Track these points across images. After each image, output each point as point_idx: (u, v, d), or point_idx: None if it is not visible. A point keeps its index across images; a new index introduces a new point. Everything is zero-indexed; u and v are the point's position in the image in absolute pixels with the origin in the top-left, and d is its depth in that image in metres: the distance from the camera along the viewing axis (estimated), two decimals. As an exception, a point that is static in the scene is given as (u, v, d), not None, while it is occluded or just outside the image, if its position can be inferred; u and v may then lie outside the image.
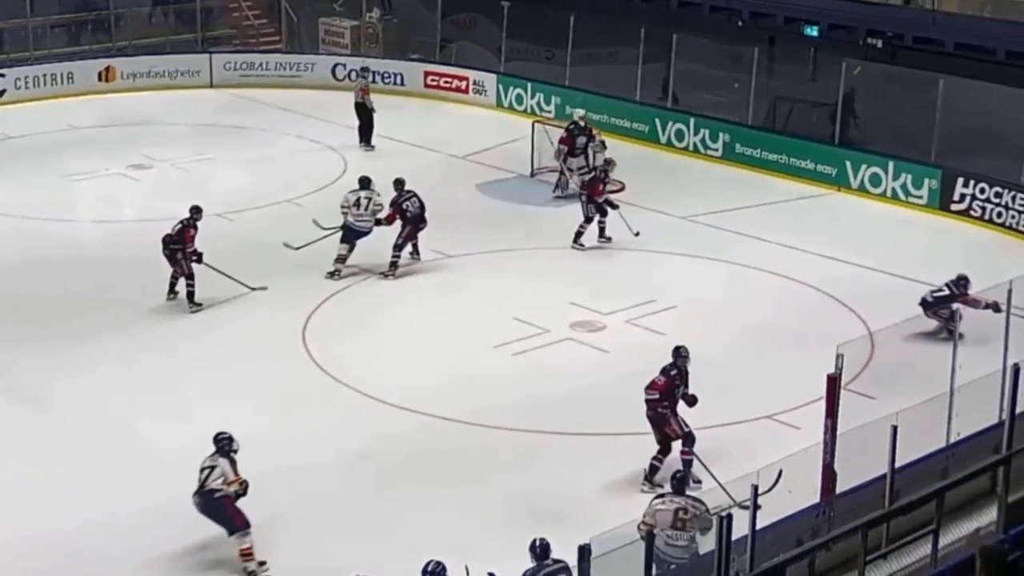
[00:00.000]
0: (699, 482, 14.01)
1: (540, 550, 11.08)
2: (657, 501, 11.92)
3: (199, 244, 19.23)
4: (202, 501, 12.98)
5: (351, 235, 20.45)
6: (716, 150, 26.87)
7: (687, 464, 14.22)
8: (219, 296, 19.47)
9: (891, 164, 24.38)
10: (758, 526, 10.35)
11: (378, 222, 20.54)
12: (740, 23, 27.94)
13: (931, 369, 14.08)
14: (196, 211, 19.41)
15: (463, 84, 30.99)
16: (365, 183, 20.81)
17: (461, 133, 28.09)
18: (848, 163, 24.99)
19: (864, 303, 19.06)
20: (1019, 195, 22.58)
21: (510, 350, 17.73)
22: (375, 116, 27.44)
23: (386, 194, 20.76)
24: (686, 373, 14.75)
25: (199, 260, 19.17)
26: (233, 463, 13.03)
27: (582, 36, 29.29)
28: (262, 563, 13.09)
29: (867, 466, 11.78)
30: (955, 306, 16.81)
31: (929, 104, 24.07)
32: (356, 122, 27.41)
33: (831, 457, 11.78)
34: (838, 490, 11.79)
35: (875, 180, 24.59)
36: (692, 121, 27.26)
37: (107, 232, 23.09)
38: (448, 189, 24.80)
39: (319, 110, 29.71)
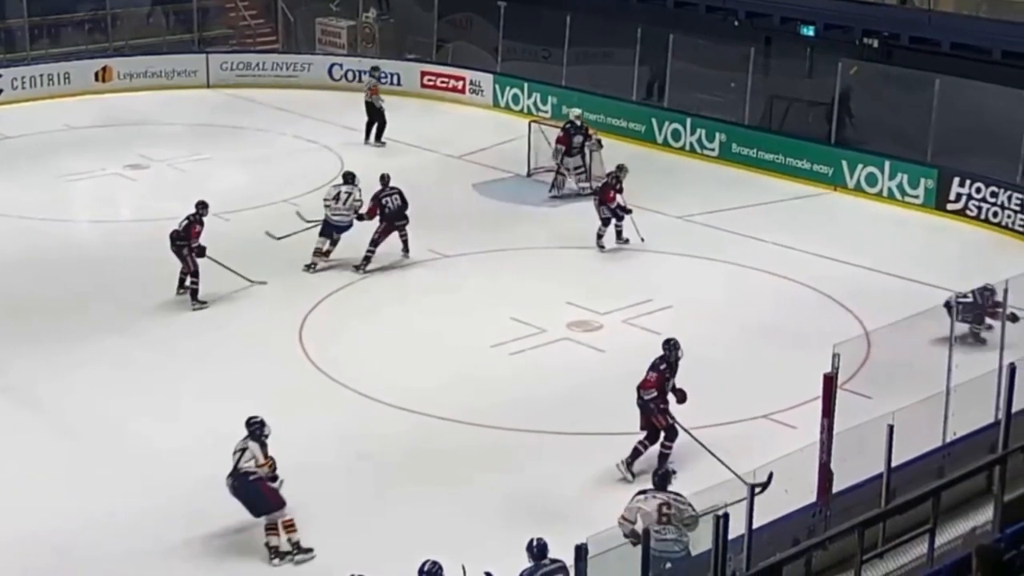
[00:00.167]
0: (674, 472, 14.02)
1: (537, 550, 11.10)
2: (640, 497, 11.95)
3: (203, 239, 19.30)
4: (235, 483, 13.25)
5: (329, 229, 20.71)
6: (712, 150, 26.89)
7: (663, 457, 14.45)
8: (218, 295, 19.49)
9: (887, 164, 24.41)
10: (754, 525, 10.38)
11: (359, 217, 20.72)
12: (736, 23, 27.95)
13: (927, 369, 14.09)
14: (202, 207, 19.49)
15: (459, 84, 31.01)
16: (348, 178, 21.06)
17: (458, 133, 28.10)
18: (844, 163, 25.01)
19: (860, 303, 19.09)
20: (1015, 195, 22.61)
21: (507, 350, 17.75)
22: (386, 114, 27.63)
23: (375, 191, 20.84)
24: (675, 365, 14.90)
25: (201, 254, 19.23)
26: (263, 446, 13.31)
27: (578, 36, 29.30)
28: (308, 549, 13.27)
29: (863, 465, 11.81)
30: (988, 322, 16.85)
31: (925, 104, 24.11)
32: (364, 119, 27.59)
33: (827, 456, 11.80)
34: (834, 489, 11.81)
35: (871, 180, 24.62)
36: (688, 121, 27.28)
37: (104, 232, 23.10)
38: (444, 189, 24.85)
39: (316, 110, 29.73)
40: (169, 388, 16.81)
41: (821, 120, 26.20)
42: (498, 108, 30.49)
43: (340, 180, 21.16)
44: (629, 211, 21.33)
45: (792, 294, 19.92)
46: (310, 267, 20.57)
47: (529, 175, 25.53)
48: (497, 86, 30.66)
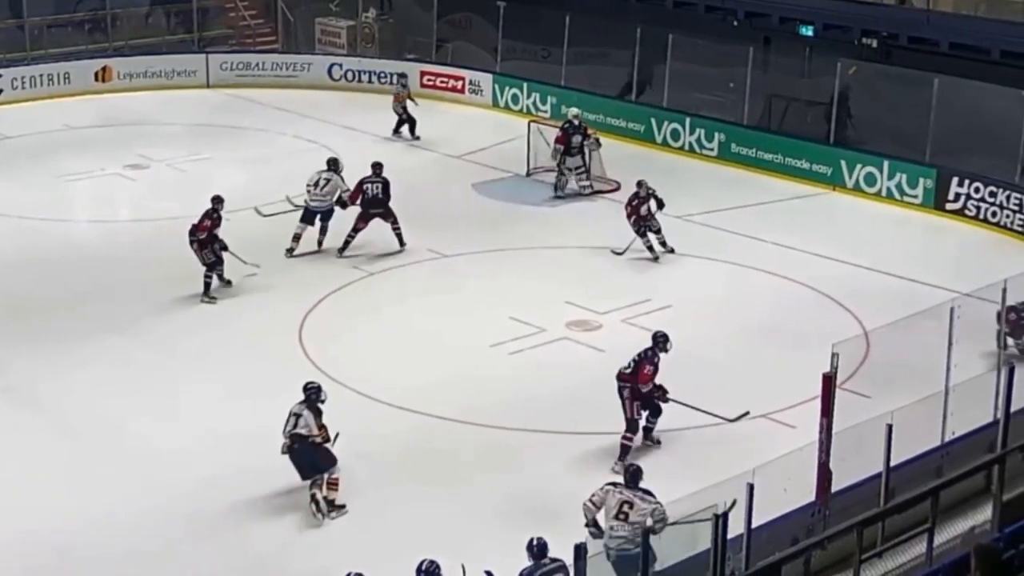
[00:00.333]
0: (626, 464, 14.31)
1: (537, 549, 11.12)
2: (609, 488, 12.05)
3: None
4: (293, 445, 13.77)
5: (308, 214, 21.11)
6: (712, 150, 26.91)
7: (624, 449, 14.73)
8: (218, 295, 19.53)
9: (886, 164, 24.42)
10: (753, 525, 10.40)
11: (342, 204, 21.17)
12: (735, 23, 27.95)
13: (926, 368, 14.09)
14: (215, 201, 19.60)
15: (459, 84, 31.02)
16: (330, 164, 21.47)
17: (457, 133, 28.12)
18: (843, 163, 25.03)
19: (859, 302, 19.11)
20: (1014, 195, 22.62)
21: (506, 349, 17.77)
22: (414, 113, 27.98)
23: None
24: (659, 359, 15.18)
25: (201, 246, 19.30)
26: (318, 414, 13.87)
27: (578, 36, 29.31)
28: (341, 506, 13.86)
29: (862, 465, 11.84)
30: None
31: (924, 104, 24.12)
32: (390, 121, 27.94)
33: (826, 456, 11.82)
34: (833, 489, 11.84)
35: (870, 180, 24.63)
36: (688, 121, 27.30)
37: (103, 232, 23.11)
38: (444, 189, 24.89)
39: (315, 110, 29.74)
40: (169, 388, 16.82)
41: (820, 120, 26.22)
42: (497, 108, 30.51)
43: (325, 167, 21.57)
44: (645, 227, 20.87)
45: (791, 294, 19.94)
46: (289, 251, 20.97)
47: (528, 175, 25.55)
48: (496, 86, 30.67)
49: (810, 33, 27.01)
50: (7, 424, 15.95)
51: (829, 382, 11.84)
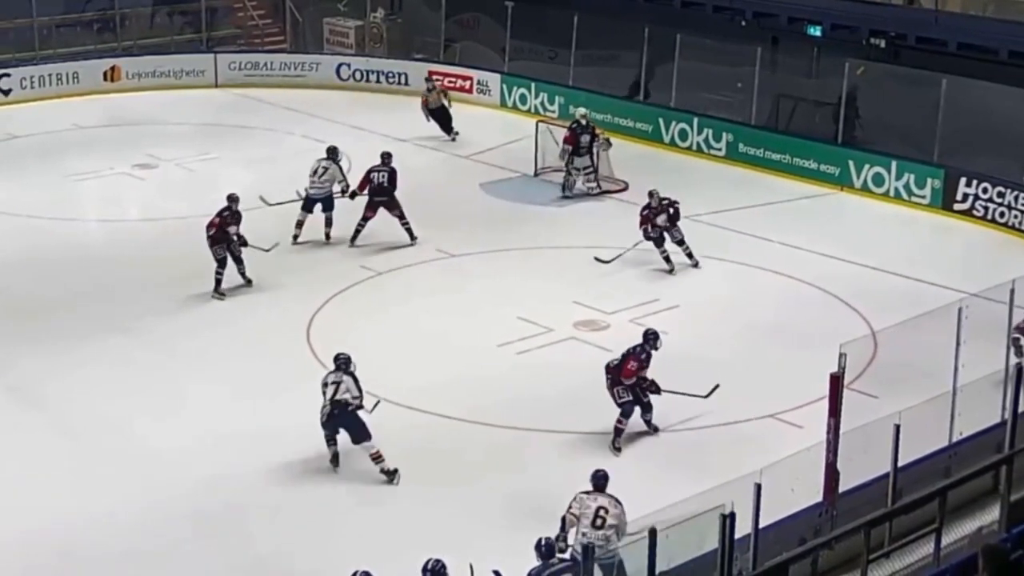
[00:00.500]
0: (619, 448, 15.00)
1: (546, 549, 11.13)
2: (583, 496, 12.16)
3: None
4: (334, 411, 14.40)
5: (308, 203, 21.53)
6: (719, 150, 26.91)
7: (617, 432, 15.13)
8: (229, 293, 19.58)
9: (894, 164, 24.41)
10: (761, 525, 10.40)
11: (351, 193, 21.63)
12: (743, 23, 27.94)
13: (933, 368, 14.09)
14: (228, 199, 19.68)
15: (467, 84, 31.02)
16: (329, 153, 21.92)
17: (465, 133, 28.10)
18: (851, 163, 25.02)
19: (867, 302, 19.11)
20: (1022, 195, 22.59)
21: (514, 349, 17.78)
22: (446, 110, 28.06)
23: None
24: (651, 356, 15.41)
25: (212, 242, 19.38)
26: (356, 380, 14.50)
27: (585, 36, 29.32)
28: (395, 470, 14.45)
29: (870, 465, 11.83)
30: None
31: (932, 104, 24.11)
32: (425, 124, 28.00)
33: (834, 456, 11.82)
34: (841, 489, 11.84)
35: (878, 180, 24.62)
36: (695, 121, 27.30)
37: (111, 231, 23.15)
38: (452, 189, 24.90)
39: (323, 110, 29.76)
40: (174, 387, 16.84)
41: (828, 120, 26.21)
42: (505, 108, 30.52)
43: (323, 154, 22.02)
44: (661, 237, 20.63)
45: (799, 294, 19.94)
46: (294, 238, 21.44)
47: (536, 175, 25.55)
48: (504, 86, 30.69)
49: (818, 33, 27.00)
50: (10, 423, 15.97)
51: (837, 382, 11.84)
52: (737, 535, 10.03)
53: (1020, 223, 22.56)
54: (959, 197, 23.50)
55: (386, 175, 21.54)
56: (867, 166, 24.76)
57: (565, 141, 24.27)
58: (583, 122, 24.29)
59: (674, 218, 20.52)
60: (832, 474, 11.81)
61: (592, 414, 15.83)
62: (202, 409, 16.22)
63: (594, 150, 24.32)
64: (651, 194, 20.66)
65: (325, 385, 14.63)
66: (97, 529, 13.63)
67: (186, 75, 32.27)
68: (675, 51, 27.73)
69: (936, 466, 12.42)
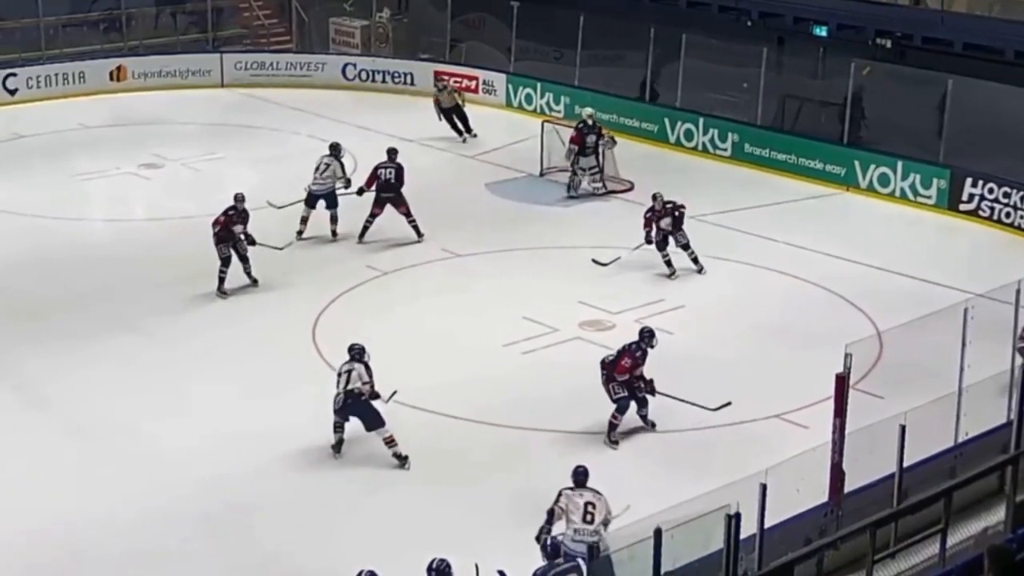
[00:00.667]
0: (616, 441, 15.23)
1: (551, 549, 11.14)
2: (568, 492, 12.33)
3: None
4: (346, 400, 14.76)
5: (311, 199, 21.82)
6: (725, 150, 26.91)
7: (611, 426, 15.30)
8: (235, 293, 19.60)
9: (900, 164, 24.39)
10: (766, 525, 10.40)
11: (359, 190, 21.84)
12: (749, 23, 27.93)
13: (939, 369, 14.09)
14: (234, 198, 19.75)
15: (473, 84, 31.03)
16: (331, 149, 22.17)
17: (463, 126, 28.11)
18: (857, 163, 25.01)
19: (873, 303, 19.10)
20: (1028, 195, 22.61)
21: (519, 349, 17.78)
22: (461, 109, 28.07)
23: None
24: (647, 354, 15.52)
25: (218, 240, 19.44)
26: (368, 369, 14.84)
27: (591, 36, 29.34)
28: (406, 456, 14.81)
29: (875, 465, 11.83)
30: None
31: (938, 104, 24.10)
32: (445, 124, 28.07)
33: (839, 456, 11.82)
34: (846, 489, 11.83)
35: (884, 180, 24.61)
36: (701, 121, 27.30)
37: (117, 231, 23.20)
38: (457, 188, 24.92)
39: (329, 110, 29.78)
40: (180, 387, 16.85)
41: (834, 120, 26.20)
42: (511, 108, 30.54)
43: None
44: (665, 241, 20.51)
45: (804, 294, 19.93)
46: (299, 234, 21.60)
47: (542, 175, 25.57)
48: (510, 86, 30.70)
49: (824, 33, 26.99)
50: (15, 422, 15.99)
51: (842, 382, 11.83)
52: (743, 535, 10.04)
53: (1026, 223, 22.57)
54: (965, 197, 23.48)
55: (393, 171, 21.70)
56: (873, 166, 24.75)
57: (571, 141, 24.27)
58: (589, 122, 24.28)
59: (678, 222, 20.40)
60: (838, 474, 11.80)
61: (598, 414, 15.82)
62: (207, 408, 16.23)
63: (600, 150, 24.32)
64: (655, 197, 20.60)
65: (339, 375, 14.95)
66: (101, 528, 13.64)
67: (192, 75, 32.32)
68: (681, 51, 27.74)
69: (942, 466, 12.42)
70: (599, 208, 23.79)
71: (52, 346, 17.88)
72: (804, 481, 11.52)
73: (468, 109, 28.32)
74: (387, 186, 21.67)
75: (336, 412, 15.00)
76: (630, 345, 15.57)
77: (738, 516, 9.88)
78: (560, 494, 12.37)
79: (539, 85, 30.08)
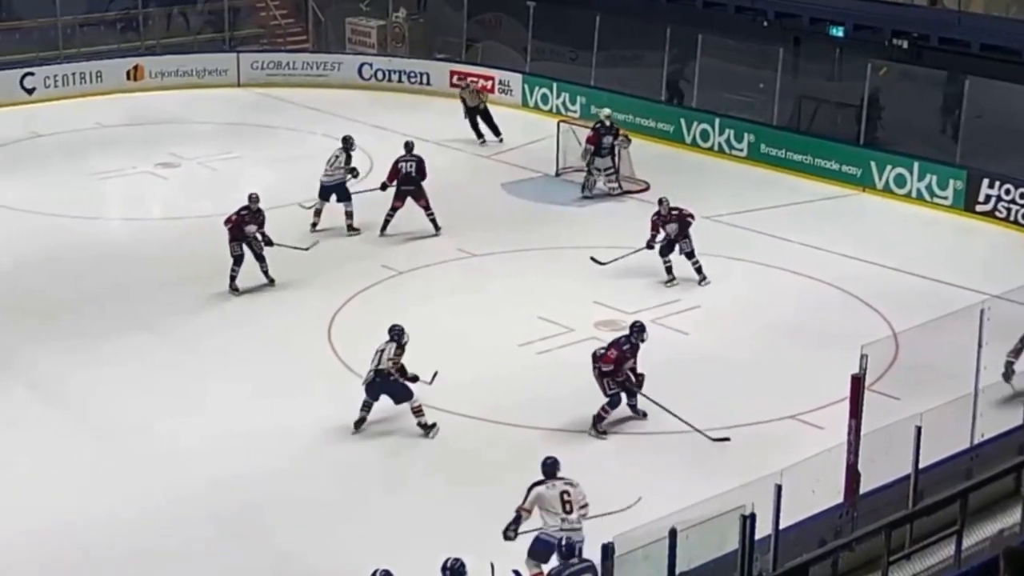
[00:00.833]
0: (604, 433, 15.55)
1: (566, 549, 11.14)
2: (540, 487, 12.38)
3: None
4: (375, 378, 15.36)
5: (323, 191, 22.15)
6: (741, 150, 26.89)
7: (599, 418, 15.59)
8: (247, 293, 19.64)
9: (916, 165, 24.35)
10: (781, 526, 10.40)
11: (383, 186, 22.03)
12: (765, 23, 27.90)
13: (956, 370, 14.07)
14: (248, 198, 19.77)
15: (489, 84, 31.05)
16: (343, 142, 22.45)
17: (487, 132, 28.11)
18: (873, 164, 24.97)
19: (889, 304, 19.07)
20: (1045, 196, 22.56)
21: (534, 349, 17.79)
22: (482, 110, 27.96)
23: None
24: (637, 349, 15.67)
25: (231, 238, 19.55)
26: (399, 348, 15.40)
27: (607, 36, 29.34)
28: (434, 424, 15.45)
29: (891, 467, 11.81)
30: None
31: (954, 105, 24.04)
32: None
33: (855, 457, 11.80)
34: (862, 490, 11.81)
35: (900, 181, 24.56)
36: (717, 121, 27.28)
37: (134, 230, 23.27)
38: (473, 188, 24.94)
39: (346, 109, 29.82)
40: (196, 386, 16.90)
41: (850, 121, 26.16)
42: (527, 108, 30.55)
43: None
44: (668, 248, 20.35)
45: (820, 295, 19.91)
46: (313, 226, 22.02)
47: (558, 175, 25.58)
48: (526, 86, 30.71)
49: (840, 34, 26.92)
50: (31, 420, 16.04)
51: (858, 383, 11.81)
52: (757, 536, 10.04)
53: (1043, 224, 22.51)
54: (981, 198, 23.43)
55: (414, 164, 21.96)
56: (889, 167, 24.70)
57: (588, 141, 24.28)
58: (607, 123, 24.26)
59: (684, 229, 20.13)
60: (853, 475, 11.78)
61: (614, 413, 15.83)
62: (223, 408, 16.27)
63: (615, 151, 24.31)
64: (661, 201, 20.47)
65: (375, 354, 15.45)
66: (115, 526, 13.67)
67: (209, 74, 32.40)
68: (697, 51, 27.72)
69: (958, 468, 12.40)
70: (614, 208, 23.79)
71: (68, 344, 17.94)
72: (819, 482, 11.50)
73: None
74: (408, 179, 21.90)
75: (365, 390, 15.45)
76: (620, 338, 15.74)
77: (753, 517, 9.88)
78: (529, 491, 12.39)
79: (555, 85, 30.09)
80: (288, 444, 15.32)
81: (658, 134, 27.99)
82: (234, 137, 28.39)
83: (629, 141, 24.75)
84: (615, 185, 24.32)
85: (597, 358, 15.69)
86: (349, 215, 22.15)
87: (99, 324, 18.58)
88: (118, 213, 24.57)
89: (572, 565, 10.99)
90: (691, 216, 20.25)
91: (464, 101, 28.02)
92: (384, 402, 15.63)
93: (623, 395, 15.72)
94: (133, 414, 16.11)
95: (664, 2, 29.65)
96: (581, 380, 16.78)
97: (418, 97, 31.42)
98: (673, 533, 10.04)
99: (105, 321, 18.68)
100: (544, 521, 12.30)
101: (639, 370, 15.81)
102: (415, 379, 15.50)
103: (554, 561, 11.27)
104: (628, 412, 15.96)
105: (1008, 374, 15.16)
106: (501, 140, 27.73)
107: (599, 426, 15.63)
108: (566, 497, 12.24)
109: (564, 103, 29.80)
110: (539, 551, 12.27)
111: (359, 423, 15.59)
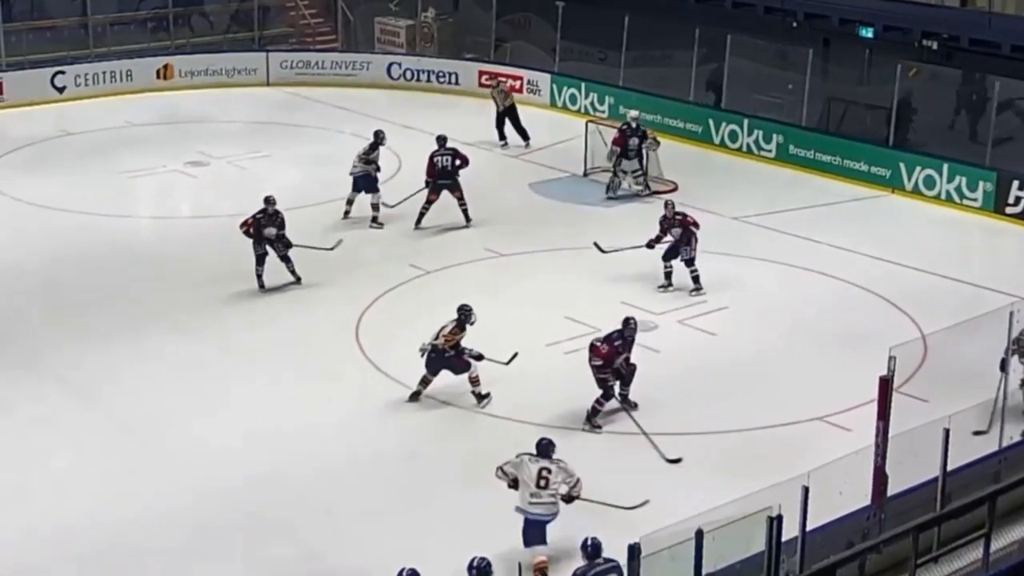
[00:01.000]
0: (599, 426, 15.68)
1: (591, 549, 11.14)
2: (525, 457, 12.90)
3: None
4: (430, 354, 16.03)
5: (354, 183, 22.65)
6: (770, 151, 26.83)
7: (593, 411, 15.69)
8: (275, 292, 19.70)
9: (945, 166, 24.25)
10: (808, 528, 10.39)
11: (427, 183, 22.30)
12: (795, 24, 27.85)
13: (984, 372, 14.04)
14: (264, 201, 19.81)
15: (517, 84, 31.06)
16: (374, 136, 22.86)
17: (515, 132, 28.13)
18: (902, 165, 24.88)
19: (917, 306, 19.00)
20: (1075, 199, 22.46)
21: (561, 349, 17.77)
22: (511, 113, 27.86)
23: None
24: (630, 341, 15.80)
25: (254, 240, 19.63)
26: (459, 327, 15.98)
27: (636, 36, 29.32)
28: (487, 394, 16.10)
29: (919, 469, 11.80)
30: None
31: (984, 106, 23.95)
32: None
33: (882, 460, 11.78)
34: (889, 493, 11.80)
35: (929, 182, 24.47)
36: (746, 122, 27.23)
37: (163, 228, 23.36)
38: (502, 188, 24.95)
39: (374, 109, 29.86)
40: (223, 384, 16.95)
41: (879, 122, 26.07)
42: (555, 108, 30.55)
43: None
44: (672, 253, 20.13)
45: (848, 296, 19.85)
46: (345, 214, 22.64)
47: (586, 175, 25.58)
48: (554, 86, 30.72)
49: (870, 35, 26.87)
50: (63, 416, 16.11)
51: (886, 385, 11.80)
52: (784, 537, 10.04)
53: (1073, 227, 22.40)
54: (1011, 200, 23.33)
55: (449, 158, 22.26)
56: (918, 168, 24.62)
57: (614, 143, 24.26)
58: (633, 125, 24.22)
59: (687, 234, 19.87)
60: (880, 477, 11.77)
61: (642, 414, 15.82)
62: (250, 406, 16.31)
63: (643, 152, 24.28)
64: (667, 204, 20.38)
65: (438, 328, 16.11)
66: (143, 523, 13.71)
67: (238, 73, 32.53)
68: (726, 52, 27.69)
69: (985, 471, 12.37)
70: (642, 208, 23.74)
71: (97, 342, 18.02)
72: (847, 484, 11.49)
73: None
74: (444, 173, 22.23)
75: (425, 365, 16.12)
76: (612, 333, 15.86)
77: (780, 518, 9.89)
78: (516, 456, 12.91)
79: (583, 85, 30.08)
80: (316, 443, 15.35)
81: (687, 134, 27.95)
82: (263, 136, 28.47)
83: (658, 143, 24.71)
84: (642, 187, 24.27)
85: (591, 350, 15.79)
86: (375, 207, 22.43)
87: (129, 322, 18.66)
88: (148, 211, 24.66)
89: (598, 565, 11.00)
90: (695, 224, 19.93)
91: (495, 101, 28.03)
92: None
93: (616, 385, 15.83)
94: (163, 411, 16.17)
95: (693, 2, 29.65)
96: (608, 380, 16.82)
97: (446, 97, 31.46)
98: (700, 534, 10.05)
99: (134, 319, 18.76)
100: (520, 493, 12.74)
101: (632, 360, 15.97)
102: (480, 357, 16.05)
103: (578, 560, 11.25)
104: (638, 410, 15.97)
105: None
106: (528, 145, 27.62)
107: (594, 420, 15.73)
108: (544, 474, 12.69)
109: (592, 103, 29.80)
110: (531, 535, 12.60)
111: (415, 395, 16.22)
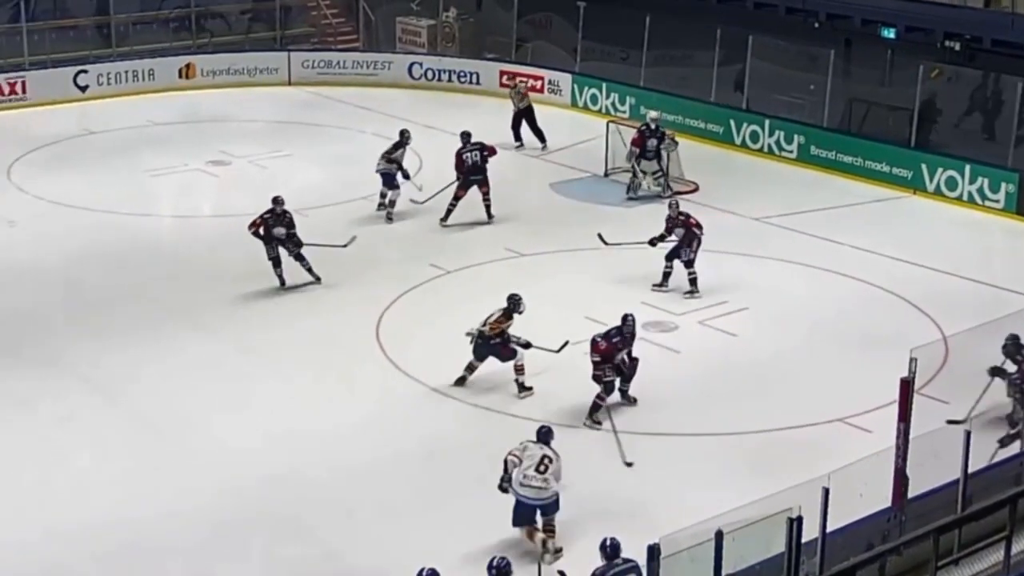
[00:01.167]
0: (599, 423, 15.69)
1: (610, 549, 11.12)
2: (530, 443, 13.22)
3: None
4: (477, 340, 16.33)
5: (382, 179, 22.82)
6: (791, 152, 26.79)
7: (595, 407, 15.74)
8: (296, 291, 19.73)
9: (968, 167, 24.18)
10: (828, 529, 10.37)
11: (457, 179, 22.49)
12: (816, 24, 27.80)
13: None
14: (272, 201, 19.84)
15: (538, 84, 31.06)
16: (400, 135, 23.05)
17: (531, 134, 28.10)
18: (924, 166, 24.81)
19: (939, 307, 18.96)
20: (1098, 200, 22.36)
21: (581, 349, 17.74)
22: (528, 114, 27.76)
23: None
24: (629, 338, 15.87)
25: (261, 238, 19.72)
26: (507, 316, 16.28)
27: (657, 37, 29.29)
28: (530, 387, 16.30)
29: (940, 471, 11.75)
30: None
31: (1007, 107, 23.86)
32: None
33: (903, 461, 11.76)
34: (910, 495, 11.77)
35: (951, 183, 24.40)
36: (767, 123, 27.19)
37: (185, 227, 23.44)
38: (522, 188, 24.96)
39: (395, 108, 29.90)
40: (243, 384, 16.98)
41: (902, 125, 26.00)
42: (576, 108, 30.56)
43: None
44: (675, 254, 19.94)
45: (870, 297, 19.81)
46: (380, 206, 22.92)
47: (606, 175, 25.57)
48: (576, 86, 30.72)
49: (892, 35, 26.79)
50: (85, 414, 16.16)
51: (907, 387, 11.78)
52: (804, 539, 10.02)
53: (1096, 229, 22.31)
54: (1034, 201, 23.28)
55: (477, 152, 22.42)
56: (940, 169, 24.55)
57: (632, 143, 24.24)
58: (652, 126, 24.16)
59: (689, 236, 19.72)
60: (901, 479, 11.74)
61: (659, 415, 15.84)
62: (269, 406, 16.34)
63: (662, 153, 24.24)
64: (671, 205, 20.34)
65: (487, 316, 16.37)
66: (163, 522, 13.74)
67: (260, 73, 32.60)
68: (747, 52, 27.64)
69: (1007, 473, 12.32)
70: (662, 210, 23.50)
71: (117, 340, 18.08)
72: (867, 485, 11.46)
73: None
74: (475, 169, 22.43)
75: (472, 351, 16.40)
76: (611, 330, 15.91)
77: (800, 520, 9.86)
78: (521, 444, 13.20)
79: (604, 85, 30.08)
80: (335, 443, 15.37)
81: (708, 135, 27.93)
82: (284, 135, 28.53)
83: (676, 143, 24.68)
84: (663, 188, 24.22)
85: (591, 345, 15.84)
86: (392, 203, 22.63)
87: (150, 320, 18.72)
88: (169, 210, 24.74)
89: (617, 565, 10.99)
90: (698, 226, 19.78)
91: (512, 102, 28.03)
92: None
93: (616, 381, 15.87)
94: (183, 410, 16.22)
95: (715, 3, 29.61)
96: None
97: (468, 97, 31.48)
98: (719, 535, 10.03)
99: (156, 317, 18.83)
100: (514, 475, 12.99)
101: (635, 354, 16.07)
102: (528, 345, 16.31)
103: (599, 561, 11.24)
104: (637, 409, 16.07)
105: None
106: (545, 147, 27.53)
107: (595, 415, 15.73)
108: (546, 461, 12.98)
109: (613, 103, 29.79)
110: (519, 516, 12.95)
111: (460, 380, 16.53)
